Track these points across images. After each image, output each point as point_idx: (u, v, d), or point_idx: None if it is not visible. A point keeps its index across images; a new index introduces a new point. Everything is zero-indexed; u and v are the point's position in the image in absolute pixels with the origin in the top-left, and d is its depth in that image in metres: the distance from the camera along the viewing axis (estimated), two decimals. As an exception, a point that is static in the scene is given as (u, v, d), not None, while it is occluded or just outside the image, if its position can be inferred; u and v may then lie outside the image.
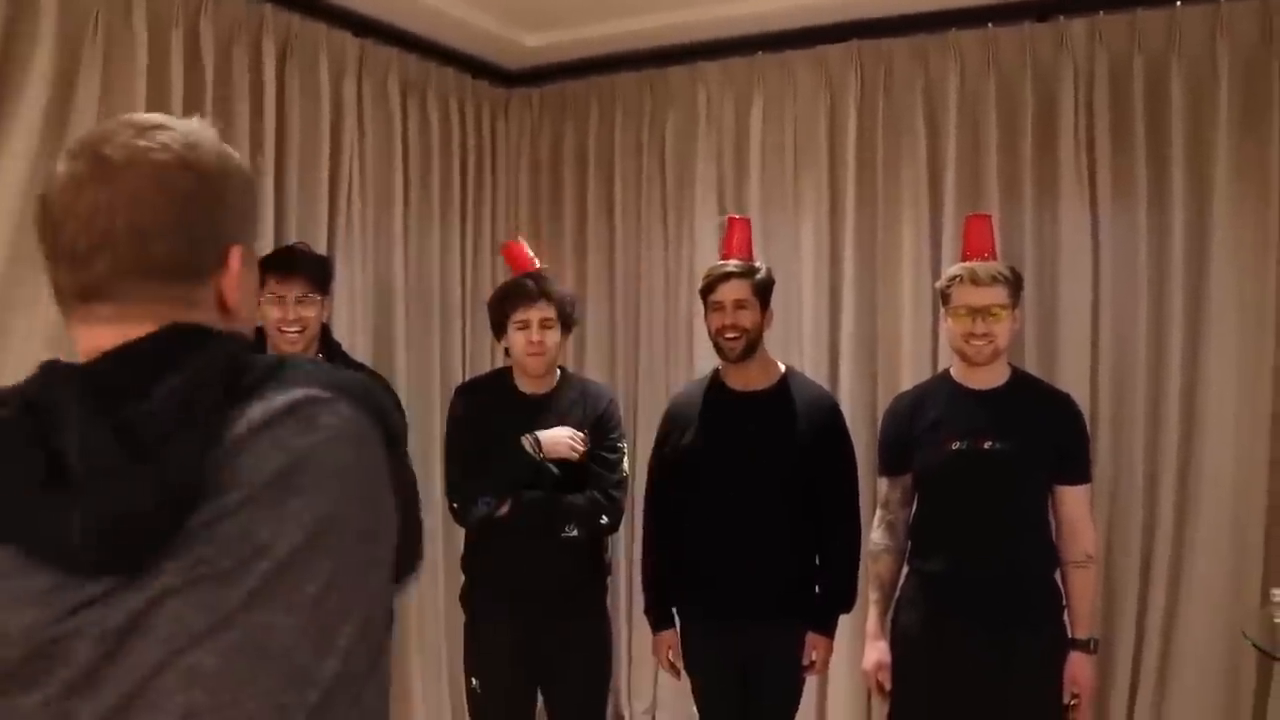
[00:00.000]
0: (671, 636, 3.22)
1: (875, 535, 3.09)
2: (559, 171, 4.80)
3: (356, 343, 3.92)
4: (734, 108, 4.40)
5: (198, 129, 1.05)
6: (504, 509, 2.99)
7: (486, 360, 4.72)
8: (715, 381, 3.21)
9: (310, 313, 2.99)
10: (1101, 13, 3.78)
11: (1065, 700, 2.85)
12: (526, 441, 3.03)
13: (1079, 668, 2.85)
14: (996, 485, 2.85)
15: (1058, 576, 2.95)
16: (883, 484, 3.11)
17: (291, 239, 3.71)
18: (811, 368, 4.15)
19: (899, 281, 4.06)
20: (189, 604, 0.87)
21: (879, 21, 4.07)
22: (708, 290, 3.10)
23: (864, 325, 4.15)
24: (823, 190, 4.21)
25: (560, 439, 3.05)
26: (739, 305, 3.05)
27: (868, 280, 4.15)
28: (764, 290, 3.10)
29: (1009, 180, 3.91)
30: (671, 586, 3.22)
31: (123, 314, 0.99)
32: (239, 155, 1.10)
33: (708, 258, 3.99)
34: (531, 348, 3.09)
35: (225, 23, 3.58)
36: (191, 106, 3.43)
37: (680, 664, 3.22)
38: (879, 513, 3.10)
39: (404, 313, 4.23)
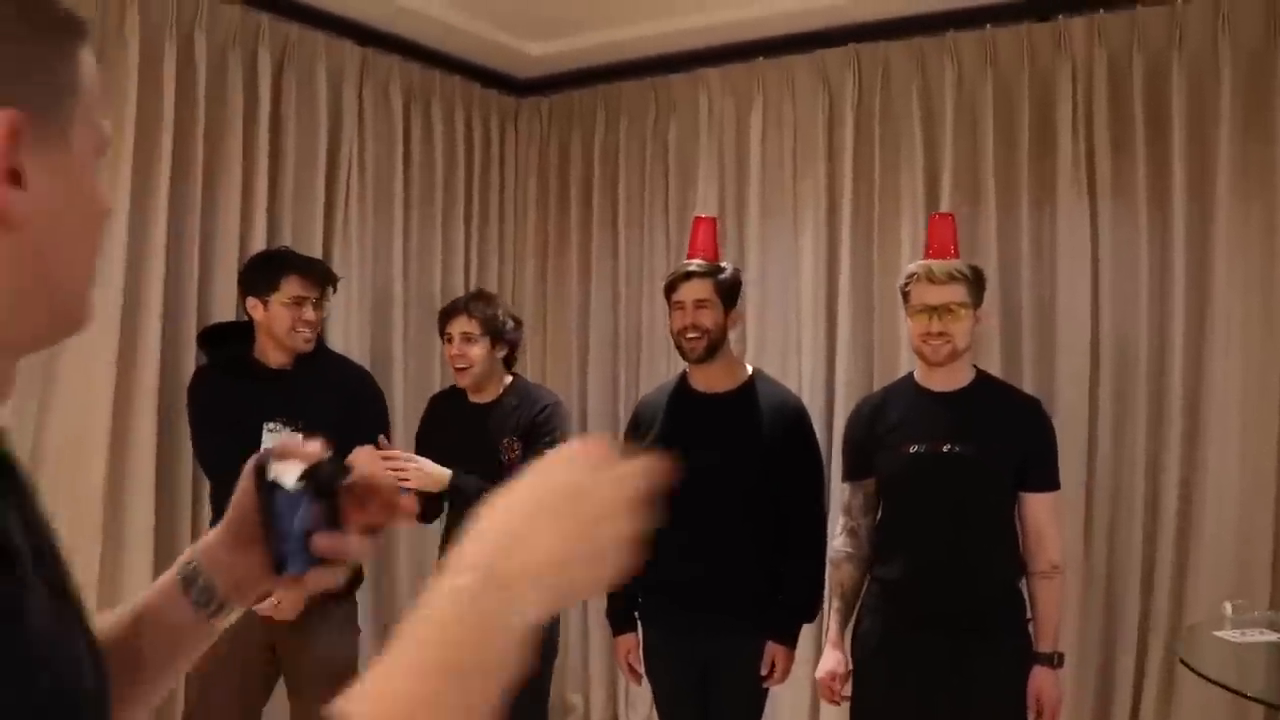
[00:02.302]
0: (632, 640, 3.19)
1: (837, 542, 3.02)
2: (565, 179, 4.83)
3: (352, 350, 3.95)
4: (734, 112, 4.39)
5: None
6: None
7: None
8: (681, 383, 3.18)
9: (322, 314, 3.26)
10: (1102, 10, 3.70)
11: (1029, 716, 2.75)
12: None
13: (1042, 682, 2.75)
14: (955, 490, 2.76)
15: (1023, 586, 2.85)
16: (845, 489, 3.04)
17: (285, 242, 3.77)
18: (809, 371, 4.15)
19: (896, 282, 3.97)
20: None
21: (876, 24, 4.04)
22: (669, 290, 3.07)
23: (861, 327, 4.10)
24: (821, 192, 4.18)
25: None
26: (700, 305, 3.01)
27: (865, 282, 4.11)
28: (728, 290, 3.05)
29: (1006, 181, 3.84)
30: (633, 591, 3.19)
31: None
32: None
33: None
34: (452, 360, 3.32)
35: (220, 32, 3.66)
36: (183, 113, 3.52)
37: (641, 668, 3.18)
38: (842, 519, 3.03)
39: (402, 320, 4.26)
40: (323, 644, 3.12)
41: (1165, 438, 3.62)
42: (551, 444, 3.19)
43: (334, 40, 4.03)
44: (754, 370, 3.17)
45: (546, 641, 3.31)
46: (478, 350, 3.27)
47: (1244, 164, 3.51)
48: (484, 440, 3.23)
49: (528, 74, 4.79)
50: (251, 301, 3.13)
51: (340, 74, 4.06)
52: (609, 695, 4.64)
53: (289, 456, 0.93)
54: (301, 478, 0.91)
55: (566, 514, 0.70)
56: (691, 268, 3.05)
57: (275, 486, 0.92)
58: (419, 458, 3.14)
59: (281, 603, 2.93)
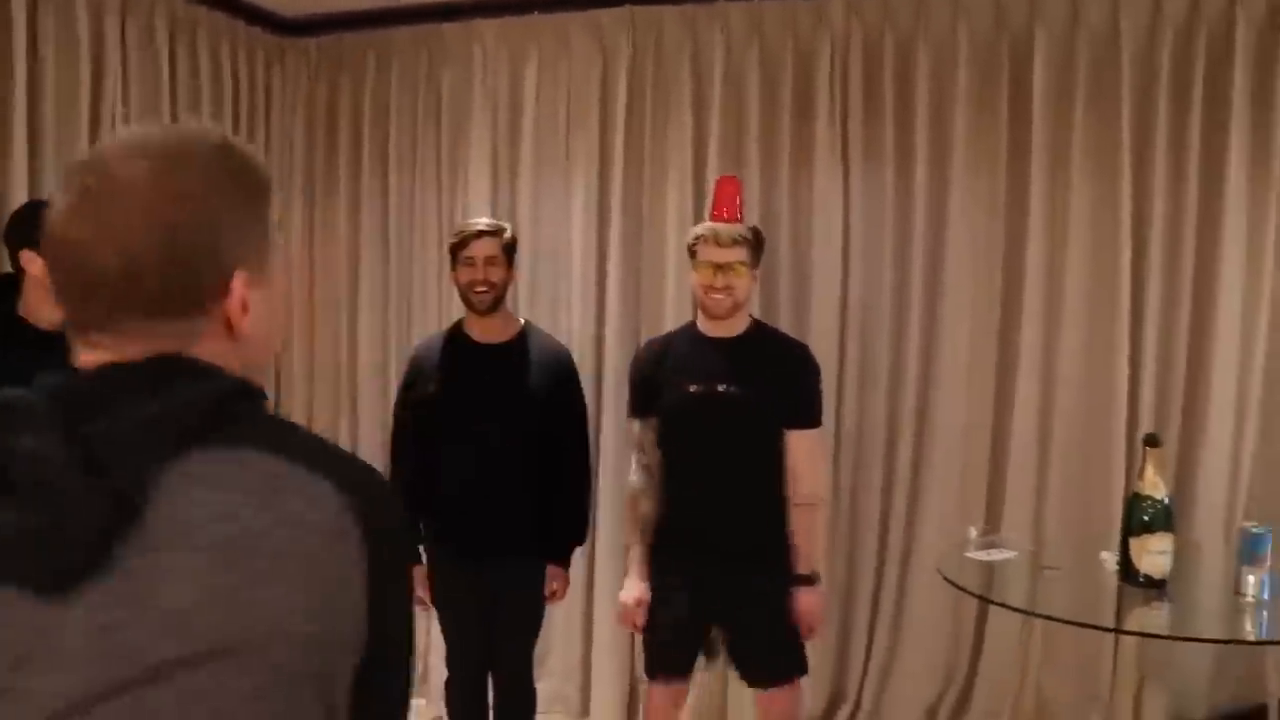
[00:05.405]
0: (420, 571, 3.40)
1: (633, 478, 3.25)
2: (335, 125, 4.77)
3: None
4: (509, 67, 4.47)
5: (188, 141, 0.98)
6: None
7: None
8: (458, 333, 3.40)
9: None
10: (858, -9, 4.03)
11: (802, 631, 3.09)
12: None
13: (805, 600, 3.07)
14: (729, 427, 3.05)
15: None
16: (635, 425, 3.26)
17: (48, 191, 3.59)
18: (579, 320, 4.34)
19: (664, 239, 4.24)
20: (92, 648, 0.83)
21: (651, -13, 4.21)
22: (460, 246, 3.29)
23: (629, 279, 4.32)
24: (593, 150, 4.34)
25: None
26: (489, 261, 3.27)
27: (634, 237, 4.32)
28: (511, 249, 3.34)
29: (769, 145, 4.13)
30: (416, 525, 3.40)
31: (120, 345, 0.94)
32: (249, 153, 1.02)
33: (481, 214, 4.11)
34: None
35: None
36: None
37: (428, 598, 3.40)
38: (635, 455, 3.25)
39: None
40: None
41: (903, 381, 4.05)
42: None
43: (93, -29, 3.83)
44: (525, 322, 3.45)
45: None
46: None
47: (975, 136, 3.93)
48: None
49: (293, 13, 4.68)
50: (27, 255, 2.84)
51: (100, 8, 3.86)
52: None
53: None
54: None
55: None
56: (481, 226, 3.31)
57: None
58: None
59: None
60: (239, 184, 0.99)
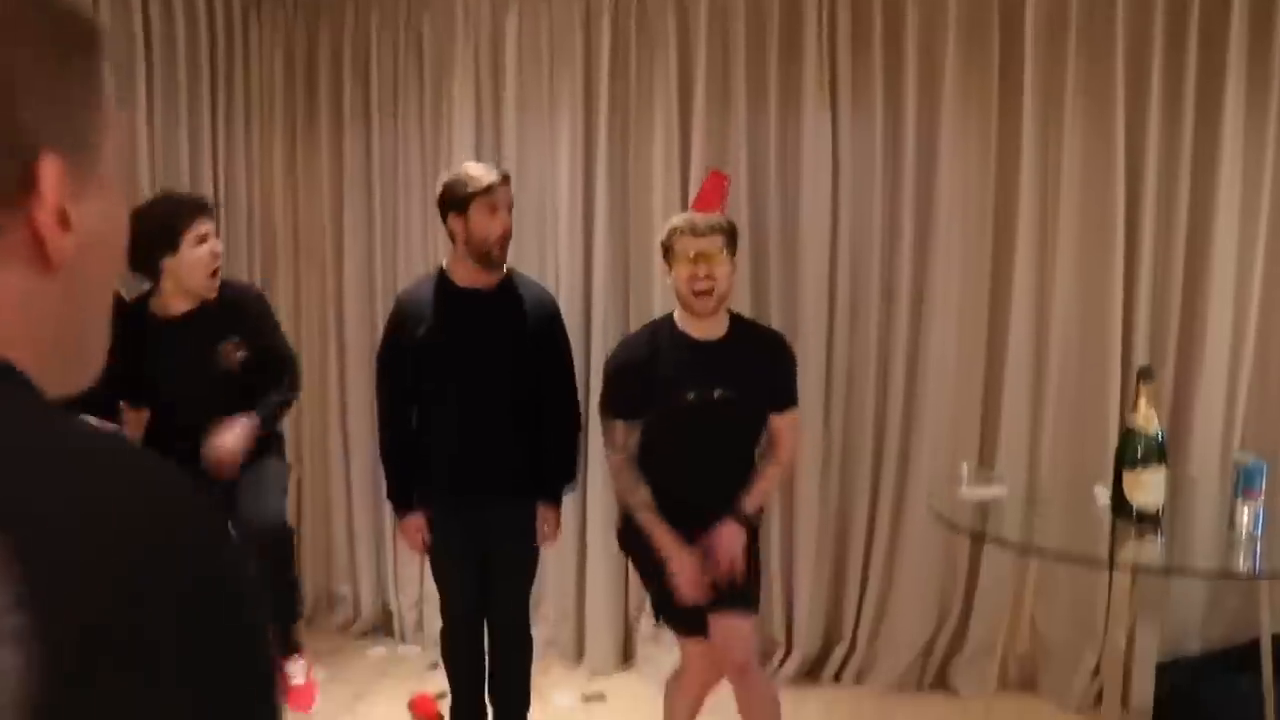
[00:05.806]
0: (420, 519, 3.38)
1: (621, 479, 3.20)
2: (314, 74, 4.67)
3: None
4: (490, 9, 4.38)
5: None
6: None
7: (242, 263, 4.63)
8: (443, 279, 3.33)
9: None
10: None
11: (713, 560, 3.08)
12: None
13: (724, 530, 3.06)
14: (725, 426, 3.10)
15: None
16: (619, 427, 3.19)
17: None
18: (566, 263, 4.30)
19: (650, 181, 4.19)
20: None
21: (633, -72, 4.12)
22: (483, 193, 3.16)
23: (617, 222, 4.28)
24: (578, 92, 4.27)
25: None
26: (509, 209, 3.23)
27: (620, 179, 4.27)
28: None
29: (756, 84, 4.07)
30: (412, 472, 3.38)
31: None
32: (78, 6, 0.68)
33: (467, 159, 4.04)
34: (215, 260, 3.33)
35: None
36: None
37: (429, 543, 3.40)
38: (618, 456, 3.20)
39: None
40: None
41: (895, 319, 4.04)
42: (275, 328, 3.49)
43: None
44: (509, 267, 3.38)
45: (283, 527, 3.57)
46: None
47: (965, 86, 3.88)
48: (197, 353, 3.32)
49: (269, -40, 4.59)
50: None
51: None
52: (377, 583, 4.74)
53: None
54: None
55: None
56: (497, 174, 3.22)
57: None
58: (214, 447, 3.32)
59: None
60: (49, 29, 0.65)
